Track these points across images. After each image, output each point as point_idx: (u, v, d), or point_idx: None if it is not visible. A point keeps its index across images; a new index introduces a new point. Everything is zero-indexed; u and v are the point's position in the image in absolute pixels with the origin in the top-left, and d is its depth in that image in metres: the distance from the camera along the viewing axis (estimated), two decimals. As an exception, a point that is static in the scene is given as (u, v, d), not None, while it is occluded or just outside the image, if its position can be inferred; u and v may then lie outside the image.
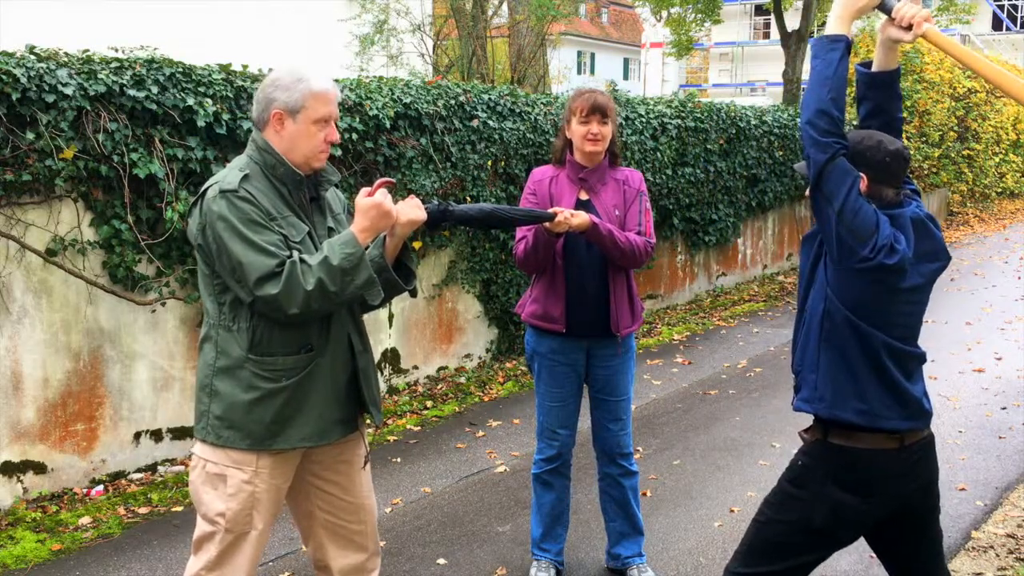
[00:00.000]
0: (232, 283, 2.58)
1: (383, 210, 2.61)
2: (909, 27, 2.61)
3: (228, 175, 2.63)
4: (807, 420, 2.94)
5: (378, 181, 2.69)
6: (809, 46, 2.75)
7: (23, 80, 4.39)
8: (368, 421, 2.95)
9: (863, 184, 2.64)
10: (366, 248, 2.59)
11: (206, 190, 2.62)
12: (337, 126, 2.77)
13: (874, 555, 3.76)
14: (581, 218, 3.46)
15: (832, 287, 2.62)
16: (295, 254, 2.56)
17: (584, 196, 3.71)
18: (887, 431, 2.61)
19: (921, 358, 2.71)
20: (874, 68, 2.77)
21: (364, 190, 2.64)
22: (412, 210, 2.71)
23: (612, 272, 3.70)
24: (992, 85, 2.68)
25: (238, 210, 2.54)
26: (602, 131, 3.63)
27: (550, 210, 3.44)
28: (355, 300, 2.66)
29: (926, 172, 15.64)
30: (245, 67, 5.52)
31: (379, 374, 6.56)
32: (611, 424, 3.83)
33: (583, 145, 3.66)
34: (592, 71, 44.90)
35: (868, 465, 2.62)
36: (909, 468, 2.65)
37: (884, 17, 2.68)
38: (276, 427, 2.64)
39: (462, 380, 7.04)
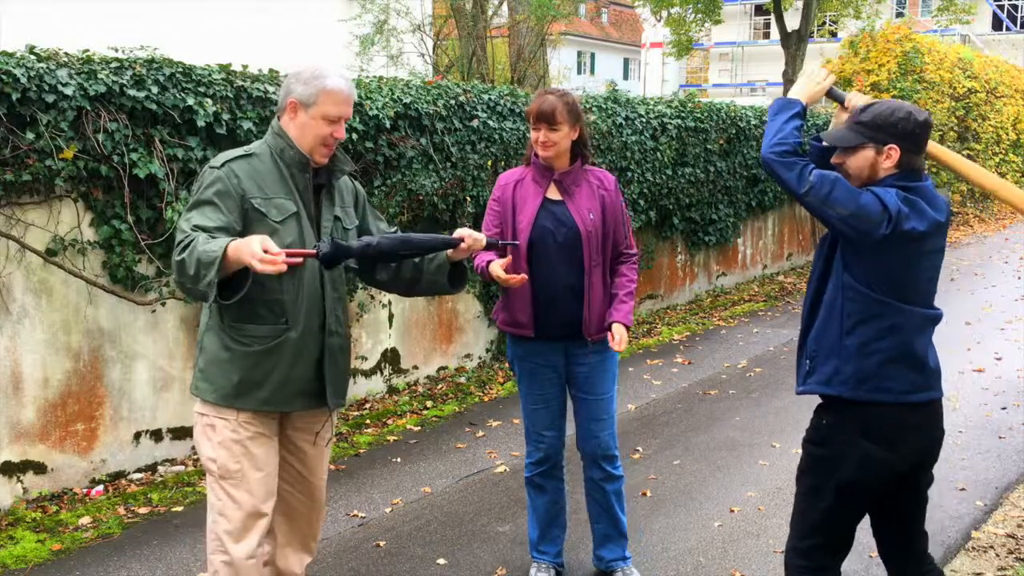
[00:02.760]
0: None
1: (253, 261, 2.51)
2: None
3: (230, 151, 2.92)
4: (806, 418, 2.96)
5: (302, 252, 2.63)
6: (771, 102, 3.03)
7: (23, 80, 4.39)
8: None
9: (895, 155, 2.74)
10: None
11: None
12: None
13: (875, 554, 3.77)
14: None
15: (854, 274, 2.74)
16: (200, 234, 2.65)
17: (555, 195, 3.64)
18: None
19: (938, 318, 2.84)
20: (826, 143, 2.95)
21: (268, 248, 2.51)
22: (264, 266, 2.50)
23: (589, 270, 3.63)
24: (987, 191, 3.09)
25: (205, 182, 2.82)
26: (550, 137, 3.55)
27: (456, 233, 3.13)
28: (202, 297, 2.65)
29: (926, 172, 15.64)
30: (245, 67, 5.52)
31: (379, 373, 6.56)
32: (591, 424, 3.77)
33: (536, 148, 3.62)
34: (592, 71, 44.89)
35: (893, 418, 2.75)
36: (926, 423, 2.81)
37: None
38: (240, 387, 2.87)
39: (462, 380, 7.04)
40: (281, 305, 2.85)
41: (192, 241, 2.64)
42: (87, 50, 4.93)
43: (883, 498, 2.88)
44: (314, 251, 2.71)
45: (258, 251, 2.48)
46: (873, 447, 2.73)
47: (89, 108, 4.65)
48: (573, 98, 3.62)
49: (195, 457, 5.34)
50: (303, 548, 3.22)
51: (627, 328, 3.63)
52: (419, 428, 6.06)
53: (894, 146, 2.73)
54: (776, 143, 2.80)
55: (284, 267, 2.50)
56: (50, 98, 4.50)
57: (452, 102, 6.73)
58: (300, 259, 2.62)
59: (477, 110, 6.92)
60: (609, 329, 3.63)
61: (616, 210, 3.71)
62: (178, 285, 2.79)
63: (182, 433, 5.30)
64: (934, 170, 15.96)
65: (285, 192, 2.87)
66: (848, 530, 2.88)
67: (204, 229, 2.69)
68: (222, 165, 2.83)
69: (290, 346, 2.88)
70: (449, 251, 3.11)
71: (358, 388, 6.43)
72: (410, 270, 3.16)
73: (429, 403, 6.54)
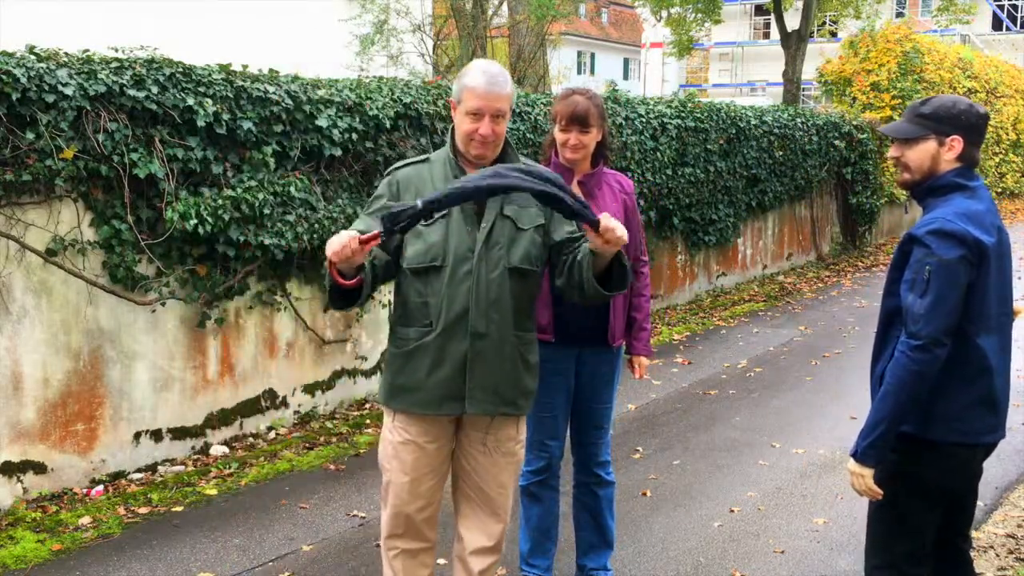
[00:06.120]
0: None
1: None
2: None
3: (410, 158, 3.08)
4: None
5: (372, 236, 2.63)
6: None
7: (23, 80, 4.39)
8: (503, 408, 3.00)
9: (958, 146, 2.69)
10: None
11: None
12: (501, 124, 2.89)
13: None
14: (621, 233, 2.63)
15: None
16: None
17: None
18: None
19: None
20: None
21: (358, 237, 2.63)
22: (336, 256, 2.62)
23: None
24: None
25: (376, 189, 3.01)
26: (582, 140, 3.49)
27: (599, 215, 2.63)
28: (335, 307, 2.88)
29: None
30: (245, 67, 5.52)
31: (380, 373, 6.55)
32: (591, 430, 3.72)
33: (563, 151, 3.55)
34: (592, 71, 44.88)
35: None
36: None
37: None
38: (394, 389, 2.98)
39: (462, 380, 7.02)
40: (427, 308, 2.89)
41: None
42: (87, 50, 4.93)
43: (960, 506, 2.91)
44: (377, 232, 2.63)
45: (335, 245, 2.59)
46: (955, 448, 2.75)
47: (89, 108, 4.65)
48: (600, 98, 3.56)
49: (195, 457, 5.35)
50: (479, 550, 3.18)
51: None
52: (419, 428, 6.05)
53: (957, 137, 2.69)
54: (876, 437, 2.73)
55: (358, 252, 2.59)
56: (50, 98, 4.49)
57: (452, 102, 6.72)
58: (374, 241, 2.62)
59: (477, 110, 6.91)
60: (629, 357, 3.73)
61: (636, 215, 3.68)
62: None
63: (182, 433, 5.30)
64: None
65: None
66: (928, 543, 2.83)
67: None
68: (390, 172, 2.99)
69: (430, 349, 2.89)
70: (584, 229, 2.69)
71: (358, 388, 6.43)
72: (577, 270, 2.85)
73: (429, 403, 6.52)
